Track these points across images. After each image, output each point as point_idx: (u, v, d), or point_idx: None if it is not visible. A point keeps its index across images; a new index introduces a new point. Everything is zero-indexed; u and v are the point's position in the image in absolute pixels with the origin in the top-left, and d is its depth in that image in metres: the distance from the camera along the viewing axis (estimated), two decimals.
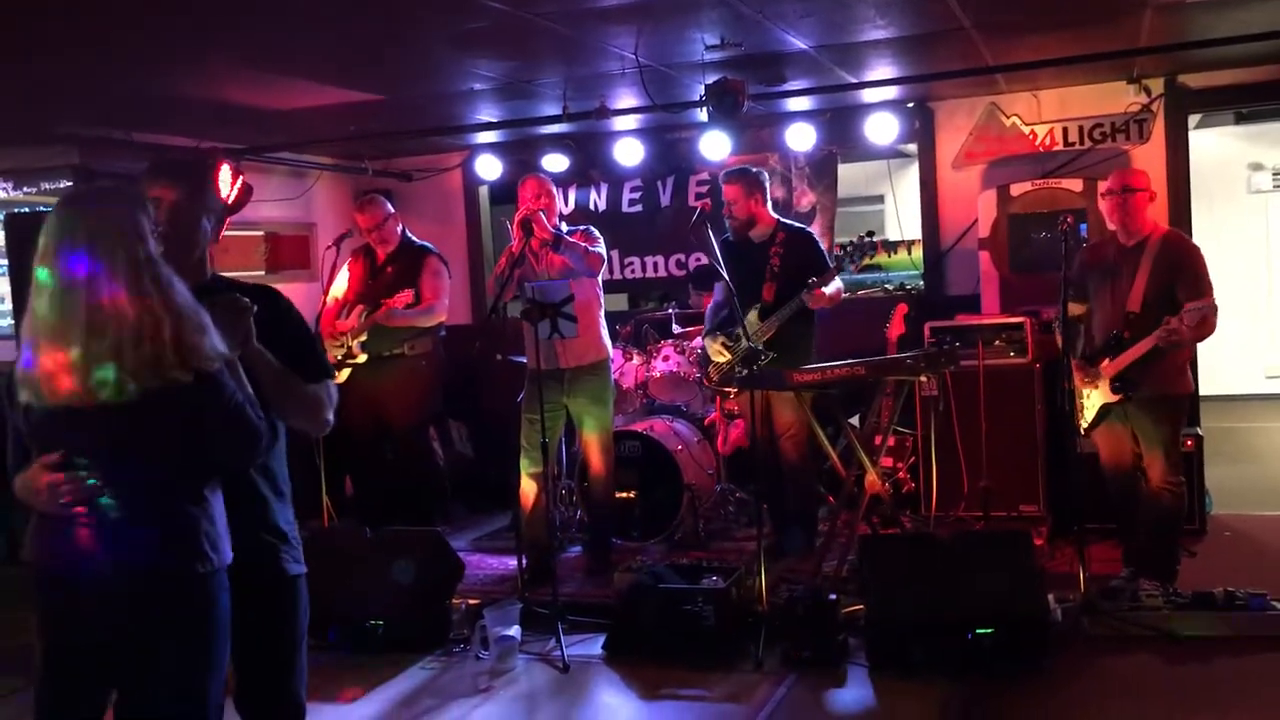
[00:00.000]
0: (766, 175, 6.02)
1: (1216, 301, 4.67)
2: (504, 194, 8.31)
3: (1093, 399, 4.94)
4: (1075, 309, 5.06)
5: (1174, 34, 5.56)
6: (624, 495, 6.14)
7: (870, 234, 5.52)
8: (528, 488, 5.67)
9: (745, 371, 5.26)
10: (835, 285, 5.64)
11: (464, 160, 7.90)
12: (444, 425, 7.43)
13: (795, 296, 5.56)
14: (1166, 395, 4.84)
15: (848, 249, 5.52)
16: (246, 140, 6.71)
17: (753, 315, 5.65)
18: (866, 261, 8.96)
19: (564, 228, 5.77)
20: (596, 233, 5.78)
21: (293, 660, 2.84)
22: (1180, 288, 4.71)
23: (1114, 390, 4.80)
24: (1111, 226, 4.95)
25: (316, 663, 4.88)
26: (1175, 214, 6.55)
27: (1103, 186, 5.11)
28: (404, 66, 5.28)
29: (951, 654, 4.32)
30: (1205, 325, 4.64)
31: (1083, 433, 5.03)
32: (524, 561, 5.36)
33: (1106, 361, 4.83)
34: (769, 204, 5.90)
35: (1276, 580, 4.89)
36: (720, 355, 5.81)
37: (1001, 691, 4.16)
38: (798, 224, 6.10)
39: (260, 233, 7.42)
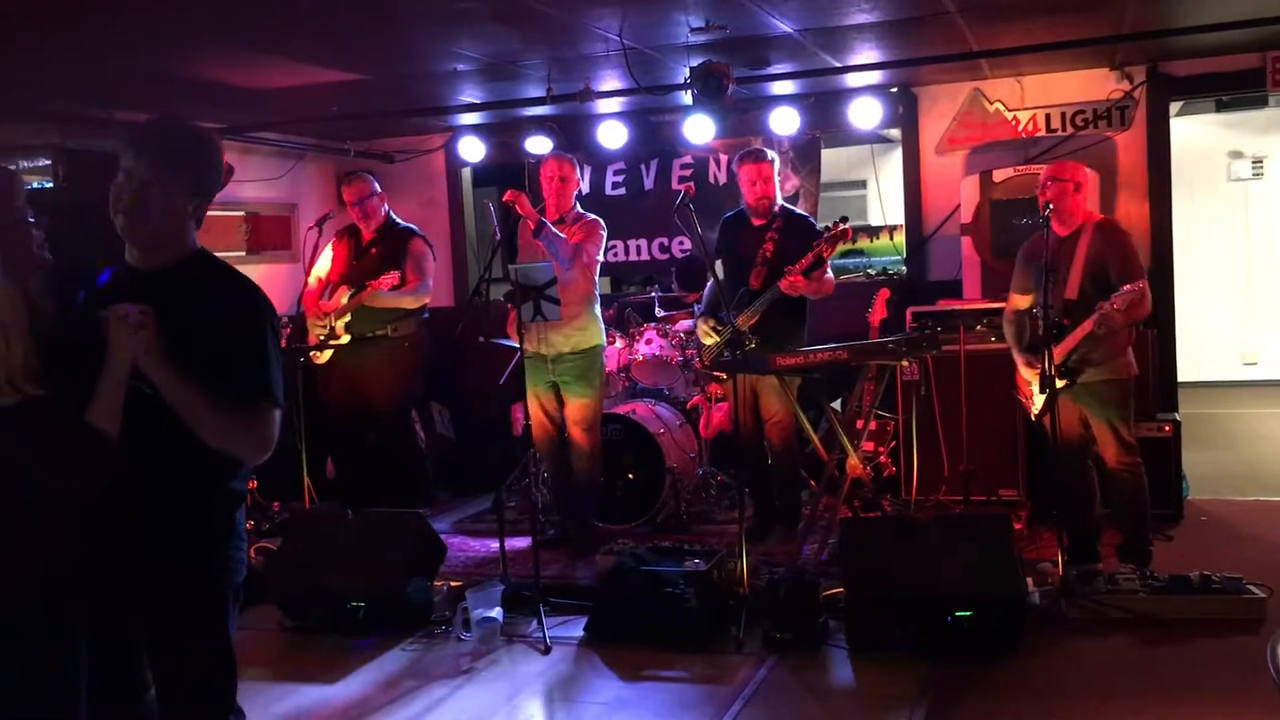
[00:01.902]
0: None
1: (1146, 285, 4.76)
2: (487, 175, 8.31)
3: (1038, 387, 5.02)
4: (1020, 301, 5.20)
5: (1157, 21, 5.59)
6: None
7: (844, 219, 5.50)
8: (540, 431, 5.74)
9: (729, 355, 5.27)
10: (827, 275, 5.61)
11: (447, 142, 7.88)
12: (426, 408, 7.43)
13: (771, 289, 5.54)
14: (1110, 379, 4.96)
15: (824, 237, 5.50)
16: (228, 119, 6.66)
17: (742, 297, 5.64)
18: (844, 247, 8.98)
19: (577, 209, 5.76)
20: (602, 229, 5.74)
21: None
22: (1113, 273, 4.83)
23: (1059, 377, 4.89)
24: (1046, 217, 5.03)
25: (298, 644, 4.95)
26: (1156, 201, 6.60)
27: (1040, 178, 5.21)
28: (387, 46, 5.24)
29: (931, 636, 4.36)
30: (1138, 308, 4.76)
31: (1033, 419, 5.14)
32: (541, 498, 5.58)
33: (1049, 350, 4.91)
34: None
35: (1252, 564, 4.94)
36: (708, 337, 5.80)
37: (979, 672, 4.19)
38: (800, 210, 6.06)
39: (241, 213, 7.38)
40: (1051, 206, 4.91)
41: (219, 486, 2.56)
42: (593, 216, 5.79)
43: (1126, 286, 4.69)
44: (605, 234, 5.76)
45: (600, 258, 5.76)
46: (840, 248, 5.67)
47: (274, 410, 2.48)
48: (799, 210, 6.03)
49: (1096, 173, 6.39)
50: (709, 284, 6.04)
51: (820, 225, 5.82)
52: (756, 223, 5.76)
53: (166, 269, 2.54)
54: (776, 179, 5.76)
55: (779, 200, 5.80)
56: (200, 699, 2.56)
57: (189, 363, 2.40)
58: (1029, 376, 5.09)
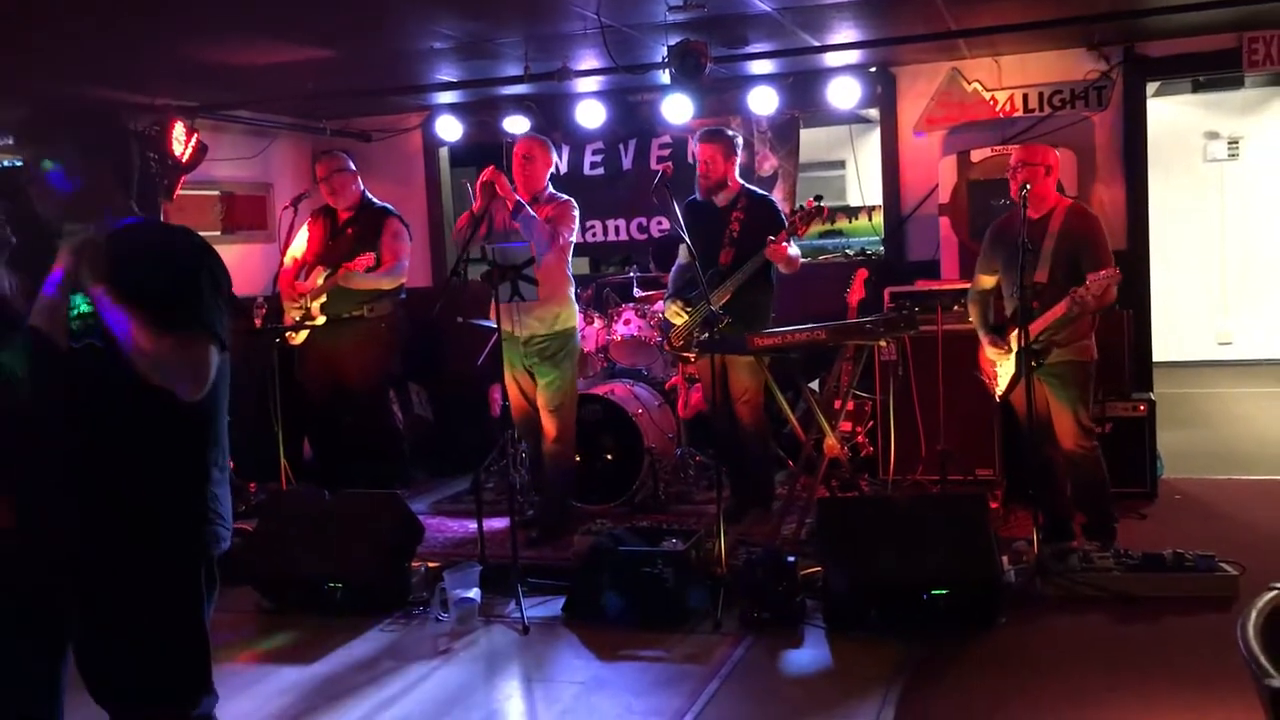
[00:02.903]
0: (740, 139, 5.99)
1: (1119, 272, 4.81)
2: (464, 155, 8.27)
3: (1005, 367, 5.13)
4: (986, 281, 5.26)
5: (1133, 1, 5.60)
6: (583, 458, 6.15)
7: (819, 197, 5.52)
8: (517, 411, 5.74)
9: (704, 335, 5.27)
10: (794, 250, 5.64)
11: (424, 121, 7.82)
12: (404, 388, 7.41)
13: (751, 259, 5.55)
14: (1072, 361, 5.02)
15: (797, 214, 5.51)
16: (201, 97, 6.59)
17: (710, 278, 5.63)
18: (822, 227, 8.99)
19: (549, 190, 5.73)
20: (574, 211, 5.69)
21: None
22: (1083, 258, 4.90)
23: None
24: (1014, 199, 5.06)
25: (275, 625, 4.94)
26: (1132, 182, 6.63)
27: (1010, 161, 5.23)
28: (362, 23, 5.19)
29: (907, 615, 4.39)
30: (1107, 294, 4.83)
31: (998, 399, 5.19)
32: (519, 479, 5.58)
33: (1016, 331, 4.94)
34: (738, 169, 5.88)
35: (1225, 542, 4.98)
36: (678, 318, 5.80)
37: (955, 651, 4.22)
38: (760, 190, 6.08)
39: (216, 192, 7.32)
40: (1029, 189, 4.92)
41: (181, 458, 2.57)
42: (564, 197, 5.76)
43: (1103, 272, 4.74)
44: (578, 214, 5.72)
45: (574, 238, 5.72)
46: (818, 228, 5.69)
47: (209, 343, 2.51)
48: (758, 190, 6.03)
49: (1072, 152, 6.43)
50: (675, 266, 6.02)
51: (797, 205, 5.83)
52: (720, 203, 5.76)
53: (112, 233, 2.58)
54: (736, 158, 5.79)
55: (736, 179, 5.80)
56: (174, 680, 2.56)
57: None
58: (994, 356, 5.16)
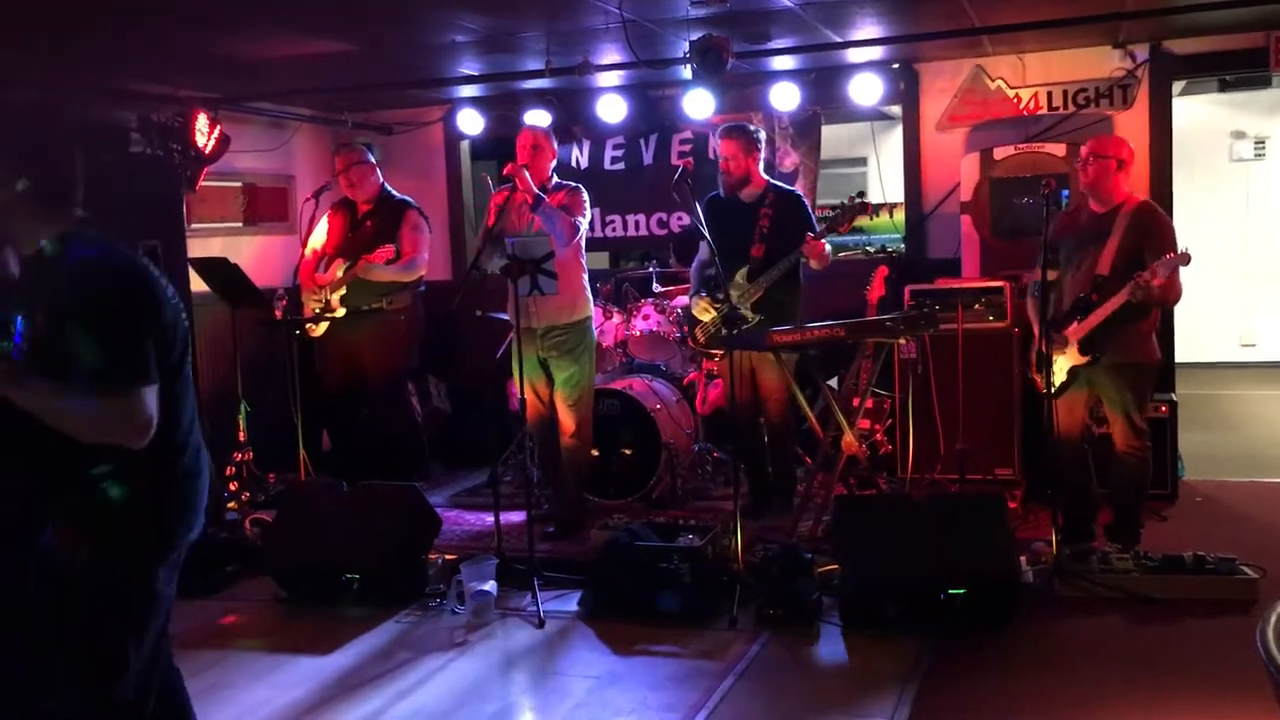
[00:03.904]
0: (763, 135, 5.96)
1: (1188, 256, 4.70)
2: (486, 149, 8.27)
3: (1059, 364, 5.00)
4: (1048, 275, 5.09)
5: None
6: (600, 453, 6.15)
7: (861, 194, 5.50)
8: (530, 408, 5.69)
9: (726, 332, 5.26)
10: (828, 247, 5.61)
11: (445, 114, 7.82)
12: (422, 381, 7.42)
13: (784, 257, 5.52)
14: (1131, 363, 4.92)
15: (838, 211, 5.49)
16: (223, 89, 6.61)
17: (741, 276, 5.63)
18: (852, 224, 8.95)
19: (555, 180, 5.72)
20: (585, 196, 5.68)
21: None
22: (1148, 255, 4.77)
23: (1081, 352, 4.88)
24: (1083, 193, 4.99)
25: (292, 615, 4.97)
26: (1157, 180, 6.56)
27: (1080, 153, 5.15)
28: (385, 16, 5.20)
29: (923, 613, 4.37)
30: (1174, 287, 4.72)
31: (1050, 396, 5.09)
32: (536, 473, 5.57)
33: (1075, 324, 4.89)
34: (761, 164, 5.86)
35: (1245, 545, 4.94)
36: (705, 314, 5.78)
37: (971, 650, 4.21)
38: (788, 186, 6.06)
39: (238, 184, 7.34)
40: (1081, 184, 4.83)
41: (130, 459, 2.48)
42: (573, 184, 5.74)
43: (1167, 256, 4.62)
44: (588, 202, 5.71)
45: (585, 228, 5.70)
46: None
47: (140, 389, 2.39)
48: (785, 186, 6.01)
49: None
50: (695, 262, 6.00)
51: (831, 201, 5.81)
52: (749, 199, 5.74)
53: (29, 257, 2.50)
54: (759, 154, 5.76)
55: (760, 175, 5.78)
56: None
57: (49, 351, 2.38)
58: (1052, 353, 5.00)
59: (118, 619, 2.53)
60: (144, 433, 2.41)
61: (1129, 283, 4.70)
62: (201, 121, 6.25)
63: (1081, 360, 4.90)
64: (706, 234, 5.34)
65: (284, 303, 6.20)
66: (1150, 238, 4.82)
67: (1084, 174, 4.97)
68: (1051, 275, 5.07)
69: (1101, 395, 5.03)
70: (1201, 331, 9.72)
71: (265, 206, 7.53)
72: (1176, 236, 4.88)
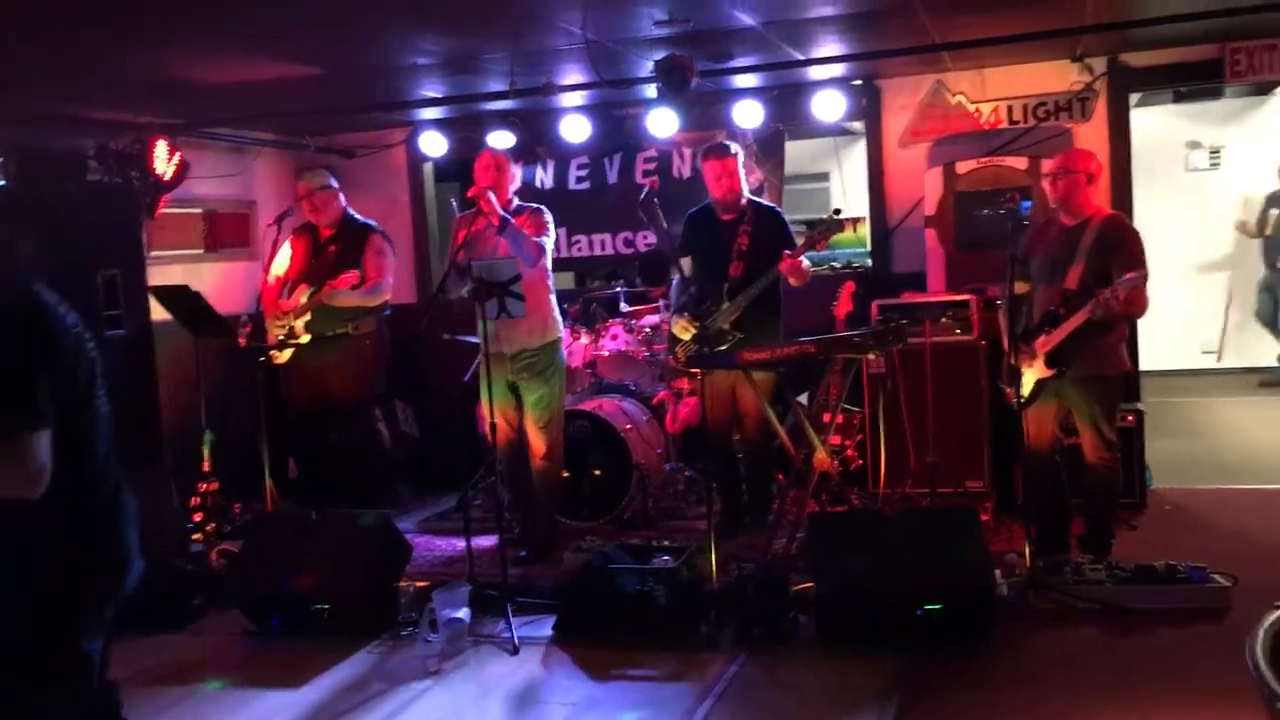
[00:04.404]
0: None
1: (1148, 274, 4.75)
2: (449, 171, 8.24)
3: (1027, 376, 5.02)
4: (1018, 288, 5.13)
5: (1116, 13, 5.62)
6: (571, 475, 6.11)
7: (838, 211, 5.52)
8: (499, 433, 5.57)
9: (699, 350, 5.23)
10: (806, 263, 5.61)
11: (408, 136, 7.78)
12: (389, 405, 7.34)
13: (764, 275, 5.51)
14: (1099, 374, 4.95)
15: (818, 227, 5.49)
16: (183, 115, 6.54)
17: (723, 293, 5.60)
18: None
19: (516, 202, 5.68)
20: (548, 216, 5.64)
21: None
22: (1116, 268, 4.79)
23: (1048, 365, 4.90)
24: (1054, 207, 5.03)
25: (261, 648, 4.88)
26: (1117, 191, 6.64)
27: (1046, 167, 5.17)
28: (346, 39, 5.16)
29: (900, 630, 4.36)
30: (1138, 301, 4.75)
31: (1018, 408, 5.11)
32: (506, 496, 5.52)
33: (1043, 338, 4.91)
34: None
35: (1216, 553, 4.97)
36: (685, 333, 5.73)
37: (949, 665, 4.20)
38: (767, 202, 6.05)
39: (199, 210, 7.26)
40: (1050, 199, 4.86)
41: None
42: (535, 206, 5.71)
43: (1129, 274, 4.65)
44: (552, 222, 5.67)
45: (551, 247, 5.66)
46: (800, 240, 5.65)
47: (31, 434, 2.21)
48: (766, 202, 6.01)
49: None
50: (675, 280, 5.98)
51: (808, 218, 5.81)
52: (726, 217, 5.73)
53: None
54: (742, 172, 5.74)
55: (746, 193, 5.77)
56: None
57: None
58: (1018, 365, 5.04)
59: (36, 683, 2.32)
60: (34, 483, 2.21)
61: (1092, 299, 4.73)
62: (160, 148, 6.17)
63: (1048, 373, 4.92)
64: (682, 252, 5.31)
65: (247, 329, 6.13)
66: (1119, 252, 4.85)
67: (1054, 189, 4.99)
68: (1023, 288, 5.10)
69: (1070, 407, 5.05)
70: (1165, 340, 9.83)
71: (227, 233, 7.45)
72: (1144, 249, 4.91)
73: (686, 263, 5.67)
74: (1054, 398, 5.03)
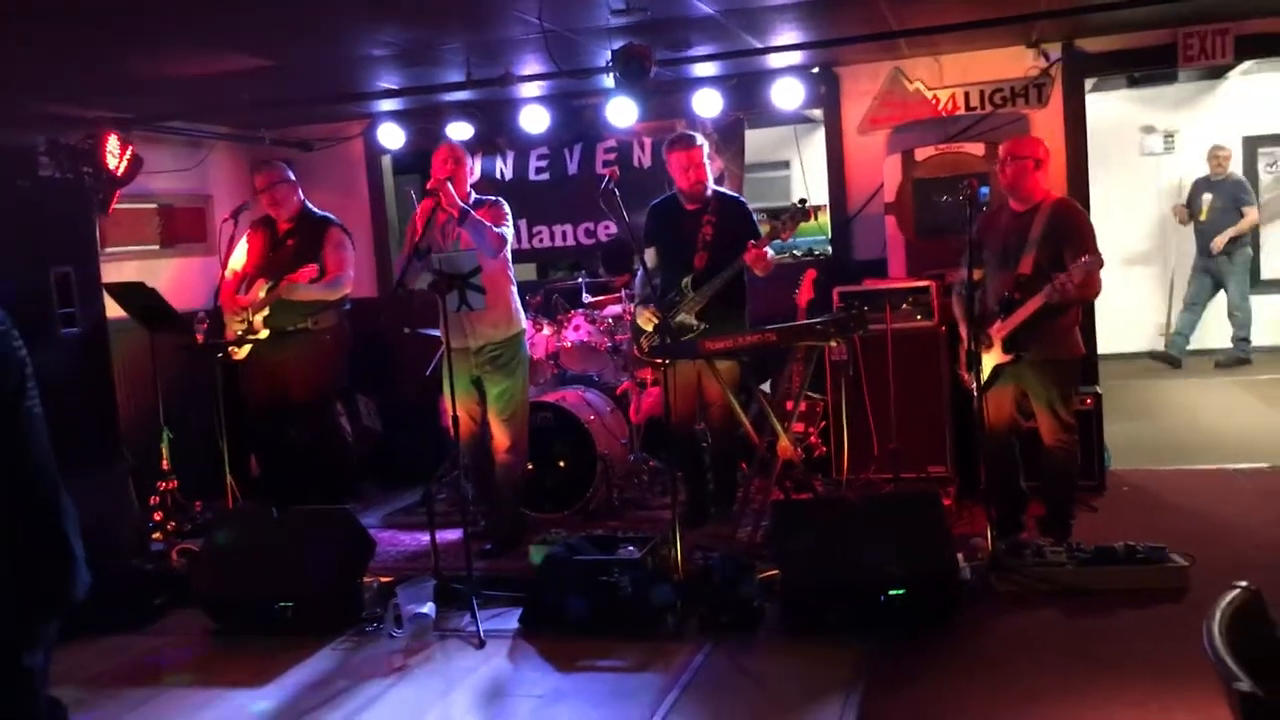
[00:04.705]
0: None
1: (1102, 259, 4.80)
2: (408, 163, 8.17)
3: (985, 361, 5.06)
4: (974, 274, 5.15)
5: None
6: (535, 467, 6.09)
7: (803, 201, 5.53)
8: (462, 427, 5.53)
9: (659, 340, 5.22)
10: (770, 253, 5.61)
11: (365, 129, 7.71)
12: (352, 400, 7.30)
13: (728, 265, 5.50)
14: (1055, 358, 5.00)
15: (782, 217, 5.50)
16: (134, 109, 6.44)
17: (685, 285, 5.59)
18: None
19: (474, 196, 5.64)
20: (506, 208, 5.61)
21: None
22: (1068, 252, 4.86)
23: (1005, 350, 4.95)
24: (1003, 193, 5.07)
25: (224, 647, 4.83)
26: (1074, 176, 6.69)
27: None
28: (299, 29, 5.09)
29: (864, 615, 4.39)
30: (1091, 284, 4.82)
31: (976, 393, 5.14)
32: (471, 490, 5.53)
33: (998, 323, 4.95)
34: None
35: (1173, 532, 5.05)
36: (649, 324, 5.71)
37: (914, 650, 4.23)
38: (730, 192, 6.05)
39: (153, 205, 7.16)
40: (1001, 185, 4.91)
41: None
42: (494, 198, 5.68)
43: (1084, 258, 4.72)
44: (510, 214, 5.64)
45: (511, 238, 5.63)
46: (763, 228, 5.65)
47: None
48: (729, 192, 6.01)
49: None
50: (639, 271, 5.97)
51: (772, 206, 5.79)
52: (690, 207, 5.71)
53: None
54: (708, 162, 5.72)
55: (711, 184, 5.76)
56: None
57: None
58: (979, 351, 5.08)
59: None
60: None
61: (1048, 283, 4.78)
62: (112, 143, 6.08)
63: (1005, 358, 4.97)
64: (645, 244, 5.30)
65: (205, 326, 6.06)
66: (1070, 236, 4.92)
67: (1003, 175, 5.06)
68: (976, 274, 5.14)
69: (1028, 390, 5.10)
70: (1121, 323, 9.94)
71: (182, 228, 7.35)
72: (1094, 232, 4.97)
73: (650, 254, 5.66)
74: (1011, 382, 5.08)
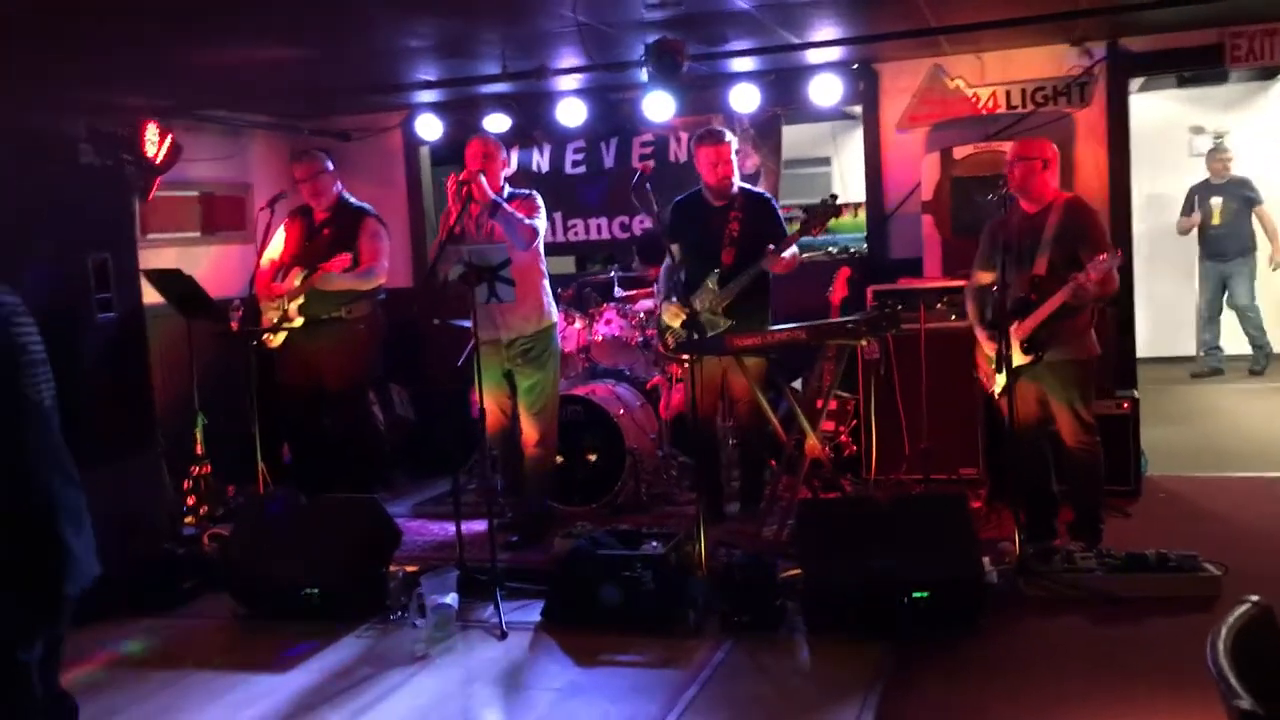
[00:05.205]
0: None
1: (1120, 256, 4.79)
2: (445, 154, 8.19)
3: (997, 365, 5.00)
4: (984, 278, 5.16)
5: None
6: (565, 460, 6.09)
7: (833, 196, 5.49)
8: (492, 419, 5.56)
9: (688, 337, 5.21)
10: (792, 250, 5.58)
11: (404, 120, 7.75)
12: (385, 390, 7.35)
13: (754, 263, 5.49)
14: (1072, 359, 4.96)
15: (812, 212, 5.47)
16: (177, 96, 6.51)
17: (712, 281, 5.58)
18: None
19: (508, 189, 5.65)
20: (539, 201, 5.61)
21: None
22: (1083, 251, 4.83)
23: (1024, 352, 4.91)
24: (1015, 195, 5.02)
25: (250, 632, 4.88)
26: (1116, 177, 6.60)
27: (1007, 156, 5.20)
28: (338, 21, 5.12)
29: (888, 617, 4.34)
30: (1110, 282, 4.79)
31: (996, 397, 5.11)
32: (499, 481, 5.55)
33: (1016, 324, 4.90)
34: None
35: (1208, 540, 4.95)
36: (675, 319, 5.70)
37: (936, 654, 4.18)
38: (757, 189, 6.02)
39: (194, 193, 7.24)
40: (1009, 187, 4.89)
41: None
42: (527, 191, 5.68)
43: (1101, 256, 4.69)
44: (543, 206, 5.63)
45: (543, 231, 5.63)
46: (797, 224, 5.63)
47: None
48: (755, 189, 5.98)
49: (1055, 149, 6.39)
50: (664, 267, 5.95)
51: (803, 202, 5.76)
52: (718, 203, 5.69)
53: None
54: (734, 159, 5.70)
55: (738, 180, 5.74)
56: None
57: None
58: (990, 353, 5.06)
59: None
60: None
61: (1066, 283, 4.76)
62: (151, 131, 6.15)
63: (1025, 360, 4.93)
64: (670, 239, 5.28)
65: (239, 313, 6.11)
66: (1083, 235, 4.90)
67: (1011, 176, 5.03)
68: (987, 278, 5.12)
69: (1048, 393, 5.05)
70: (1164, 326, 9.79)
71: (222, 216, 7.43)
72: (1105, 227, 5.00)
73: (675, 249, 5.64)
74: (1031, 383, 5.03)
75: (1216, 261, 9.41)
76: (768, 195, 5.94)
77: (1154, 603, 4.46)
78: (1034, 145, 5.10)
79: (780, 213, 5.83)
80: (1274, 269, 9.44)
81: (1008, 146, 6.31)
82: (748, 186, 5.87)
